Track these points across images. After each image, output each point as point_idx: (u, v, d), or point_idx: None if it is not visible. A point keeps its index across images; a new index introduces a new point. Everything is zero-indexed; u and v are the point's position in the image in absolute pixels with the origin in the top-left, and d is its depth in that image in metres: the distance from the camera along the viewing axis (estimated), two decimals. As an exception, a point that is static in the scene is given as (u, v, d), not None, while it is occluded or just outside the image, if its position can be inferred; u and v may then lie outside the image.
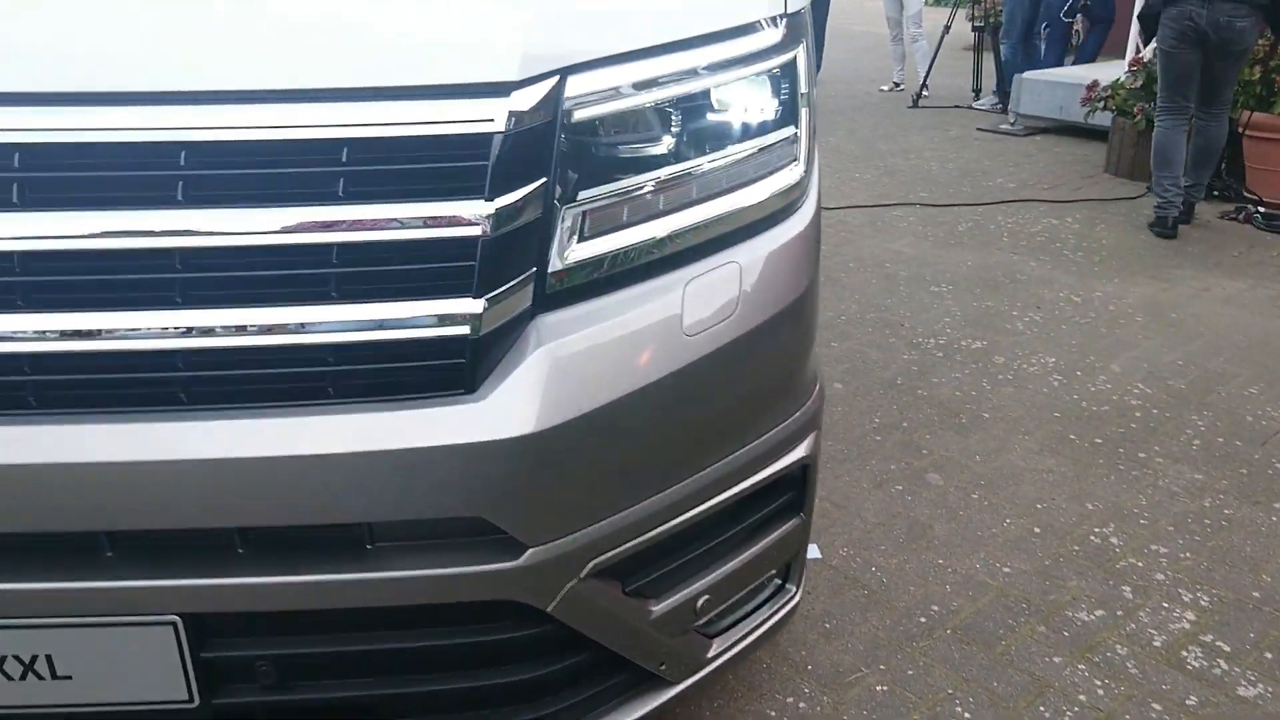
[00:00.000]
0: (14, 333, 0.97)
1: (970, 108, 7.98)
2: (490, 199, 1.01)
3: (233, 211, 0.97)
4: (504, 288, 1.03)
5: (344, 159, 0.99)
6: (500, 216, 1.01)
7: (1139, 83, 5.57)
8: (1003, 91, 7.72)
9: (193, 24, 0.98)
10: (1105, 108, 5.79)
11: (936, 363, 3.29)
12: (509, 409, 1.03)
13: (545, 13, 1.07)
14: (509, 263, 1.04)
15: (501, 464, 1.03)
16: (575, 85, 1.07)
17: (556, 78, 1.06)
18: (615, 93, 1.10)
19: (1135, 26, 6.36)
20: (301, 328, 0.99)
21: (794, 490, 1.38)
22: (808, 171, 1.34)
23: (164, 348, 0.98)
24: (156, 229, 0.96)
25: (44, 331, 0.97)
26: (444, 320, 1.01)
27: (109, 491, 0.99)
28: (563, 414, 1.05)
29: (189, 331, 0.98)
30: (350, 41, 1.01)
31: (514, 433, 1.02)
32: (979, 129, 7.16)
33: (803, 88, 1.31)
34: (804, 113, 1.32)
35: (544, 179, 1.05)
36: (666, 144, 1.16)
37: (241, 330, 0.99)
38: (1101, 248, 4.51)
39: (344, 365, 1.01)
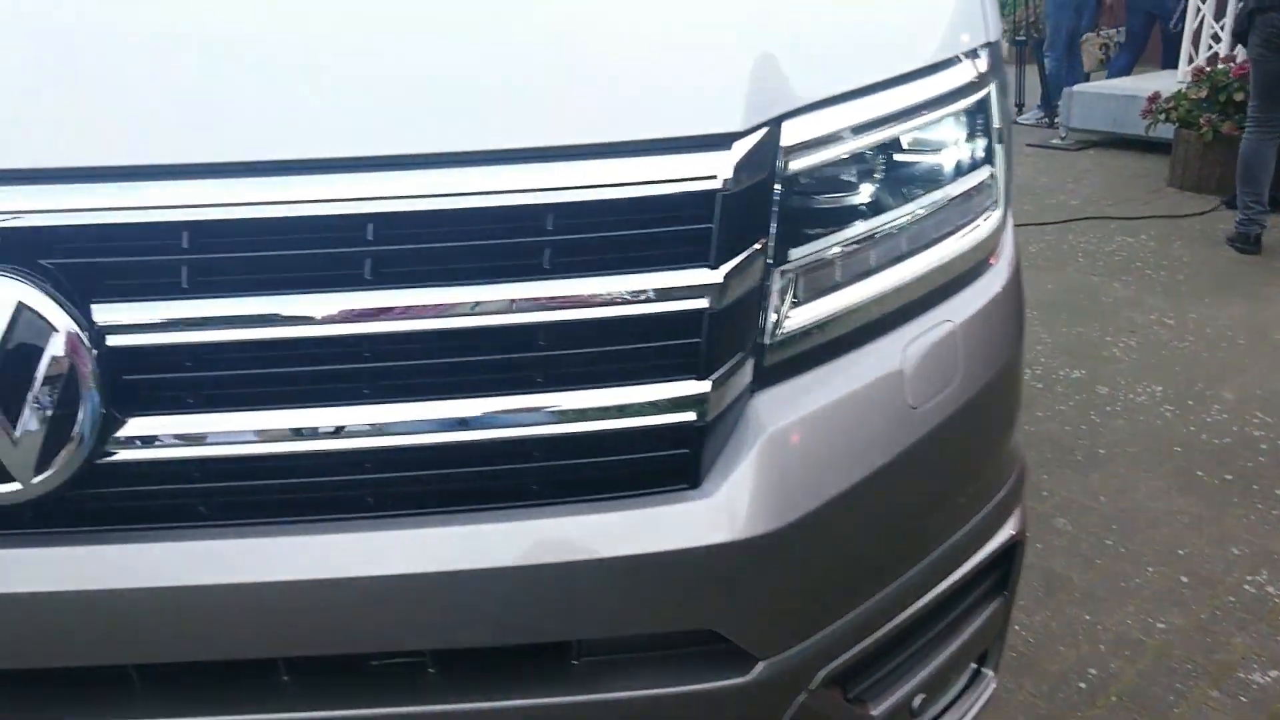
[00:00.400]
0: (183, 436, 0.85)
1: (1015, 122, 7.84)
2: (715, 266, 0.88)
3: (427, 290, 0.85)
4: (728, 365, 0.91)
5: (550, 227, 0.86)
6: (727, 285, 0.89)
7: (1203, 93, 5.42)
8: (1049, 105, 7.58)
9: (378, 82, 0.86)
10: (1168, 119, 5.63)
11: (1037, 395, 3.14)
12: (741, 504, 0.90)
13: (760, 55, 0.95)
14: (732, 336, 0.91)
15: (735, 568, 0.90)
16: (790, 133, 0.95)
17: (770, 125, 0.93)
18: (828, 139, 0.98)
19: (1188, 38, 6.22)
20: (506, 420, 0.87)
21: (1002, 569, 1.24)
22: (1006, 215, 1.22)
23: (350, 448, 0.86)
24: (343, 313, 0.84)
25: (217, 433, 0.85)
26: (667, 406, 0.88)
27: (289, 613, 0.87)
28: (798, 507, 0.92)
29: (379, 429, 0.86)
30: (553, 94, 0.88)
31: (749, 532, 0.89)
32: (1029, 144, 7.02)
33: (997, 123, 1.19)
34: (999, 150, 1.19)
35: (763, 239, 0.93)
36: (874, 193, 1.04)
37: (438, 426, 0.86)
38: (1184, 266, 4.35)
39: (553, 461, 0.88)
